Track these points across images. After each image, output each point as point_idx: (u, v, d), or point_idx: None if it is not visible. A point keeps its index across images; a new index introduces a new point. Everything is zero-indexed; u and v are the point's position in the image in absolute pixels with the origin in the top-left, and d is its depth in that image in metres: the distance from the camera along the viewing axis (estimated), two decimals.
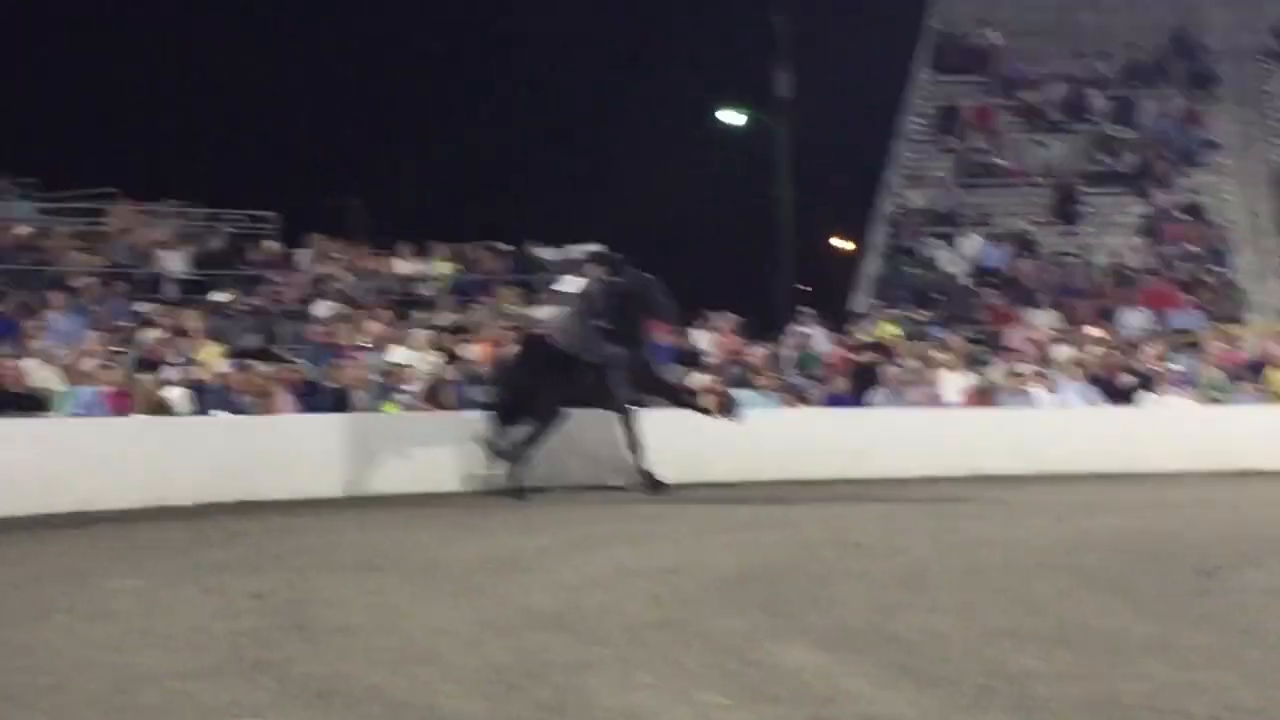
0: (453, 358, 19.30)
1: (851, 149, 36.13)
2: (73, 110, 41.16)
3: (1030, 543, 11.64)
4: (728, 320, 21.72)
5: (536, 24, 43.86)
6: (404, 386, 18.05)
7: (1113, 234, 28.72)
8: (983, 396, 20.11)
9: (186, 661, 7.15)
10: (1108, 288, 25.94)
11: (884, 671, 6.78)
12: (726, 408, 16.64)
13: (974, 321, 25.15)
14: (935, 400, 19.92)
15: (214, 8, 44.04)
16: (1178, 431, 19.51)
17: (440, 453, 16.88)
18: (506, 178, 43.43)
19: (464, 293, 23.33)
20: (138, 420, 16.12)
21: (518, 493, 15.97)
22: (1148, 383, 20.43)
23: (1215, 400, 20.44)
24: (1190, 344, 22.51)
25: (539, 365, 16.33)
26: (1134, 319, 24.53)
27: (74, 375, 16.65)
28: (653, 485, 16.26)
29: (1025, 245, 27.69)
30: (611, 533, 12.66)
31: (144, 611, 8.65)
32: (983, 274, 27.08)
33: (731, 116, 33.82)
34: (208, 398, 16.92)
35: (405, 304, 22.18)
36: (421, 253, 24.20)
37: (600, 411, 16.55)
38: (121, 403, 16.43)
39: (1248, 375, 20.90)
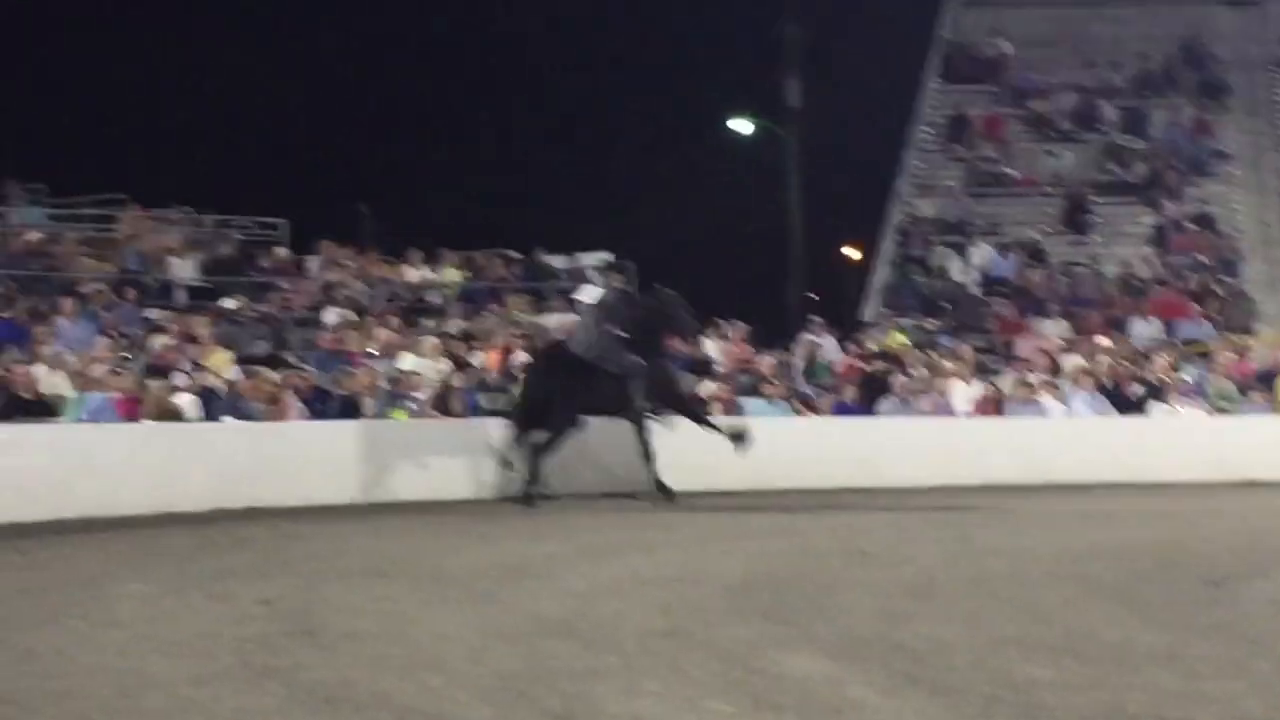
0: (462, 365, 19.32)
1: (861, 158, 36.17)
2: (83, 116, 41.32)
3: (1038, 552, 11.63)
4: (737, 329, 21.74)
5: (545, 33, 43.95)
6: (413, 393, 18.06)
7: (1122, 244, 28.70)
8: (992, 406, 20.08)
9: (194, 667, 7.15)
10: (1117, 298, 25.90)
11: (890, 680, 6.77)
12: (739, 436, 16.53)
13: (983, 331, 25.14)
14: (944, 409, 19.90)
15: (224, 15, 44.17)
16: (1187, 442, 19.49)
17: (449, 460, 16.89)
18: (515, 185, 43.52)
19: (473, 300, 23.37)
20: (147, 426, 16.14)
21: (527, 500, 15.97)
22: (1157, 393, 20.39)
23: (1225, 410, 20.40)
24: (1200, 354, 22.47)
25: (559, 372, 16.32)
26: (1144, 329, 24.50)
27: (83, 381, 16.68)
28: (664, 494, 16.27)
29: (1035, 255, 27.66)
30: (620, 540, 12.65)
31: (151, 617, 8.65)
32: (992, 283, 27.05)
33: (742, 125, 33.81)
34: (217, 404, 16.94)
35: (414, 311, 22.22)
36: (431, 260, 24.24)
37: (611, 419, 16.57)
38: (131, 409, 16.45)
39: (1257, 385, 20.86)
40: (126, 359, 17.84)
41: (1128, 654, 7.40)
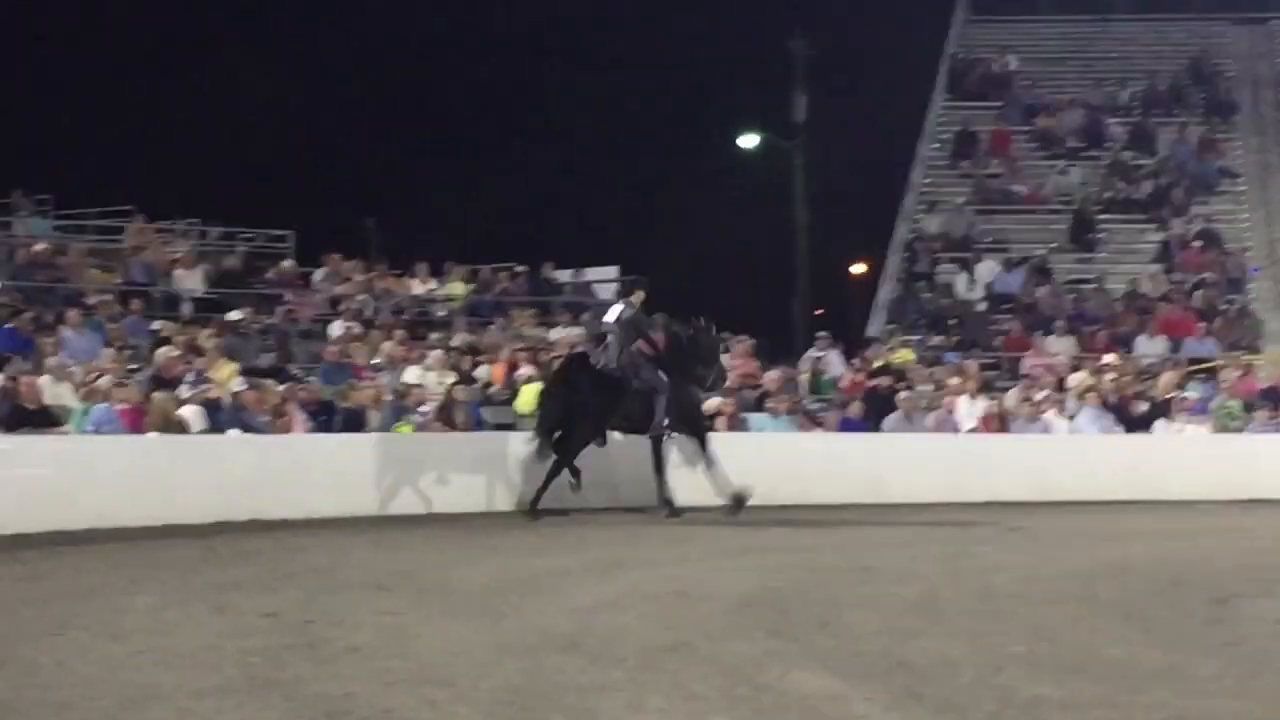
0: (467, 378, 19.31)
1: (869, 174, 36.18)
2: (90, 129, 41.34)
3: (1043, 570, 11.62)
4: (744, 343, 21.72)
5: (554, 48, 44.03)
6: (418, 407, 18.06)
7: (1129, 261, 28.72)
8: (997, 422, 20.06)
9: (197, 679, 7.14)
10: (1124, 315, 25.88)
11: (895, 697, 6.75)
12: (738, 498, 16.44)
13: (989, 347, 25.13)
14: (950, 426, 19.88)
15: (231, 28, 44.23)
16: (1192, 459, 19.47)
17: (454, 473, 16.88)
18: (522, 199, 43.54)
19: (479, 314, 23.38)
20: (152, 438, 16.12)
21: (533, 513, 15.97)
22: (1163, 410, 20.38)
23: (1230, 428, 20.38)
24: (1206, 372, 22.46)
25: (583, 387, 16.33)
26: (1150, 346, 24.49)
27: (89, 393, 16.67)
28: (673, 510, 16.28)
29: (1041, 272, 27.65)
30: (626, 555, 12.65)
31: (155, 629, 8.65)
32: (998, 300, 27.05)
33: (750, 141, 33.83)
34: (222, 416, 16.93)
35: (420, 324, 22.21)
36: (437, 273, 24.25)
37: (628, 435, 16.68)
38: (136, 420, 16.44)
39: (1263, 403, 20.84)
40: (132, 370, 17.83)
41: (1132, 672, 7.38)
